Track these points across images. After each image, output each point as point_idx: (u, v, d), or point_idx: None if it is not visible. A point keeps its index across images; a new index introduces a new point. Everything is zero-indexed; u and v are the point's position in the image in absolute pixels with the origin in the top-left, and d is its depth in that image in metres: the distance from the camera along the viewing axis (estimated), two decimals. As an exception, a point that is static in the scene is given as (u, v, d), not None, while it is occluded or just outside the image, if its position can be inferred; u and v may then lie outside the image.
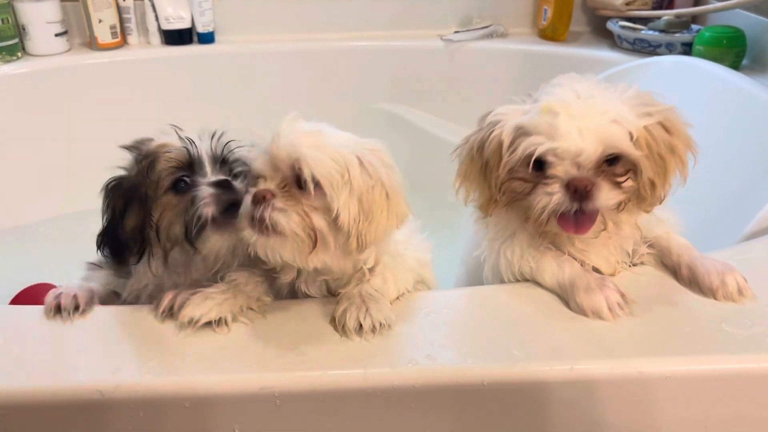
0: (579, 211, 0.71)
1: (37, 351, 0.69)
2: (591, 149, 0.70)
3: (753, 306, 0.73)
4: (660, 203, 0.78)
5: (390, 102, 1.89)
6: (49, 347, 0.69)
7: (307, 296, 0.77)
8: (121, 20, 1.79)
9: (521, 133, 0.73)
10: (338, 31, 1.88)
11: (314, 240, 0.68)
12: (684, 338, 0.69)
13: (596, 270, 0.79)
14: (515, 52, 1.83)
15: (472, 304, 0.76)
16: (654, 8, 1.80)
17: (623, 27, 1.72)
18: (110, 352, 0.68)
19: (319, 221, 0.67)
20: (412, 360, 0.66)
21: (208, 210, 0.72)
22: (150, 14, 1.78)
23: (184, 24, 1.79)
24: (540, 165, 0.72)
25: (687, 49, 1.61)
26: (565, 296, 0.75)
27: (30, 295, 1.35)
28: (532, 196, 0.73)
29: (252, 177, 0.72)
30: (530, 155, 0.71)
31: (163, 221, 0.74)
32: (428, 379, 0.65)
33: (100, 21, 1.74)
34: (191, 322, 0.69)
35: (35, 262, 1.55)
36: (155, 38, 1.81)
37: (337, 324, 0.71)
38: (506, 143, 0.74)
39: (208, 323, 0.70)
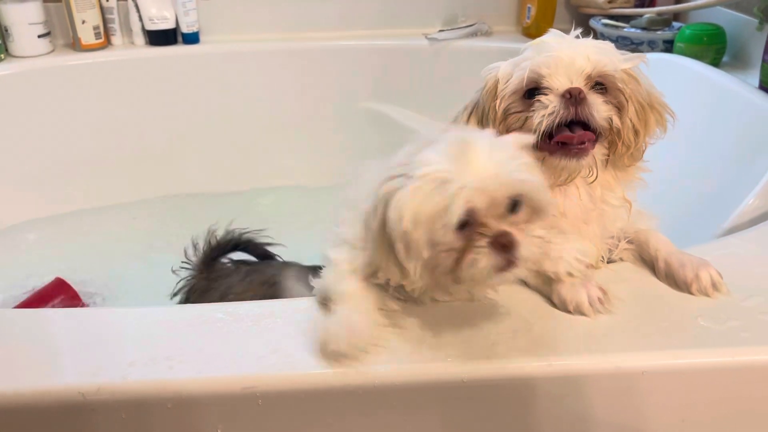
0: (576, 123, 0.74)
1: (16, 353, 0.68)
2: (581, 62, 0.73)
3: (729, 301, 0.74)
4: (641, 154, 0.80)
5: (375, 101, 1.89)
6: (28, 349, 0.69)
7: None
8: (105, 21, 1.78)
9: (515, 67, 0.77)
10: (323, 30, 1.88)
11: (546, 246, 0.67)
12: (661, 333, 0.70)
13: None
14: (499, 51, 1.82)
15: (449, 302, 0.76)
16: (636, 6, 1.81)
17: (606, 25, 1.73)
18: (91, 353, 0.68)
19: (541, 231, 0.66)
20: (392, 358, 0.67)
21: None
22: (134, 15, 1.77)
23: (169, 24, 1.78)
24: (532, 94, 0.75)
25: (669, 46, 1.63)
26: (548, 291, 0.76)
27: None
28: (530, 121, 0.74)
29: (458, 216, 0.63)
30: (528, 80, 0.74)
31: None
32: (407, 378, 0.66)
33: (83, 22, 1.73)
34: None
35: (8, 270, 1.54)
36: (139, 39, 1.80)
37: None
38: (502, 80, 0.77)
39: None
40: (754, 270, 0.80)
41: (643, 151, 0.81)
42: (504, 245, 0.62)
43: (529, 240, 0.64)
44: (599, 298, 0.72)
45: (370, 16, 1.90)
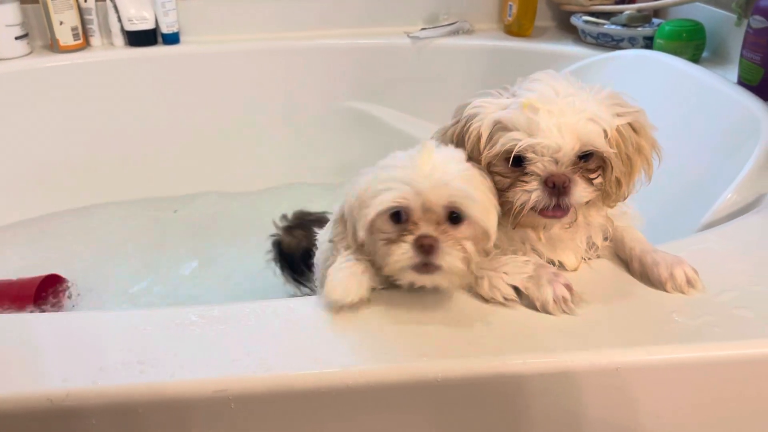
0: (556, 206, 0.73)
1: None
2: (569, 146, 0.71)
3: (704, 296, 0.74)
4: (624, 200, 0.80)
5: (358, 100, 1.89)
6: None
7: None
8: (83, 22, 1.76)
9: (500, 127, 0.74)
10: (305, 29, 1.88)
11: (468, 265, 0.71)
12: (635, 329, 0.70)
13: (562, 266, 0.80)
14: (481, 48, 1.84)
15: (426, 300, 0.76)
16: (616, 3, 1.82)
17: (587, 22, 1.74)
18: (60, 358, 0.67)
19: (471, 248, 0.71)
20: (367, 358, 0.67)
21: None
22: (112, 15, 1.76)
23: (148, 25, 1.77)
24: (517, 161, 0.73)
25: (649, 42, 1.63)
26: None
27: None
28: (511, 192, 0.74)
29: (388, 215, 0.71)
30: (509, 151, 0.72)
31: None
32: (383, 378, 0.65)
33: (61, 23, 1.71)
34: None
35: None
36: (119, 39, 1.79)
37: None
38: (485, 137, 0.75)
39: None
40: (729, 265, 0.80)
41: (627, 196, 0.79)
42: (423, 246, 0.68)
43: (451, 251, 0.68)
44: (564, 297, 0.71)
45: (351, 15, 1.89)
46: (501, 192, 0.75)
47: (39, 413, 0.63)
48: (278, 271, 1.38)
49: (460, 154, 0.73)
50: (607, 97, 0.76)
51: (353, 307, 0.72)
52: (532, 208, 0.73)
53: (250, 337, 0.70)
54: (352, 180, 0.75)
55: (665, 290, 0.75)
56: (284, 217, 1.42)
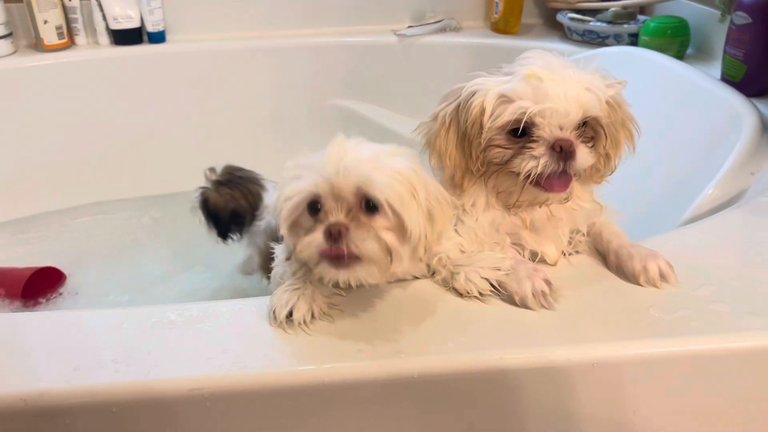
0: (563, 171, 0.74)
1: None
2: (574, 112, 0.73)
3: (681, 291, 0.74)
4: (611, 173, 0.83)
5: (344, 98, 1.89)
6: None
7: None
8: (68, 20, 1.75)
9: (504, 100, 0.75)
10: (291, 27, 1.87)
11: (390, 257, 0.69)
12: (613, 324, 0.70)
13: (543, 259, 0.80)
14: (468, 46, 1.84)
15: (402, 297, 0.76)
16: (602, 0, 1.82)
17: (572, 19, 1.74)
18: (34, 358, 0.67)
19: (392, 239, 0.68)
20: (343, 356, 0.66)
21: None
22: (97, 14, 1.75)
23: (133, 23, 1.76)
24: (518, 131, 0.75)
25: (634, 39, 1.64)
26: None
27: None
28: (515, 161, 0.75)
29: (304, 206, 0.69)
30: (518, 120, 0.73)
31: None
32: (359, 374, 0.65)
33: (45, 22, 1.70)
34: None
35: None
36: (104, 38, 1.78)
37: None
38: (488, 111, 0.75)
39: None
40: (708, 260, 0.80)
41: (614, 170, 0.82)
42: (331, 234, 0.66)
43: (365, 237, 0.66)
44: (543, 291, 0.72)
45: (338, 14, 1.89)
46: (500, 166, 0.76)
47: (12, 414, 0.62)
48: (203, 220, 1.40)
49: (388, 149, 0.71)
50: (595, 70, 0.78)
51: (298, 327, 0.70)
52: (539, 176, 0.74)
53: (226, 336, 0.70)
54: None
55: (639, 284, 0.75)
56: (212, 170, 1.41)
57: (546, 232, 0.81)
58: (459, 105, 0.78)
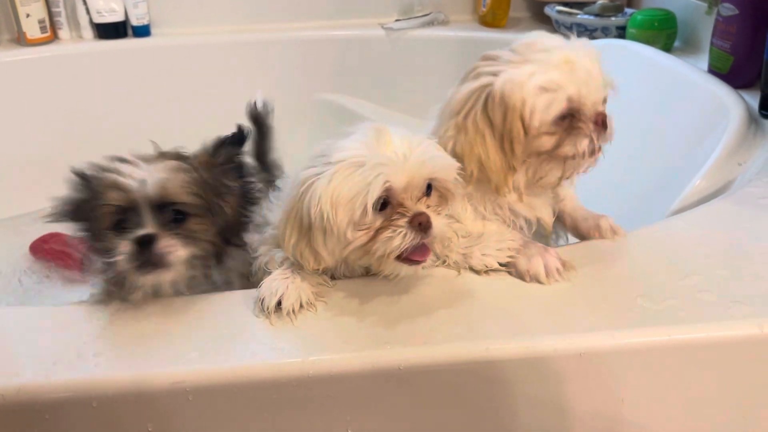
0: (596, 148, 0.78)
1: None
2: (603, 91, 0.78)
3: (669, 280, 0.74)
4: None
5: (332, 92, 1.87)
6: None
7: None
8: (51, 14, 1.73)
9: (544, 90, 0.75)
10: (277, 21, 1.86)
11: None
12: (599, 314, 0.69)
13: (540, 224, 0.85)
14: (456, 39, 1.83)
15: (387, 289, 0.75)
16: (589, -8, 1.82)
17: (560, 12, 1.73)
18: (12, 352, 0.66)
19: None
20: (328, 347, 0.66)
21: (122, 266, 0.71)
22: (81, 7, 1.73)
23: (117, 17, 1.74)
24: (564, 117, 0.76)
25: (622, 32, 1.63)
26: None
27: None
28: (567, 145, 0.77)
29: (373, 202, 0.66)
30: (563, 109, 0.75)
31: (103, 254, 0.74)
32: (343, 367, 0.64)
33: (27, 15, 1.68)
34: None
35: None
36: (87, 32, 1.76)
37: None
38: (529, 104, 0.74)
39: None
40: (695, 249, 0.80)
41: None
42: (421, 224, 0.66)
43: (441, 221, 0.67)
44: (557, 268, 0.74)
45: (325, 7, 1.87)
46: (548, 153, 0.78)
47: (-11, 409, 0.61)
48: None
49: (412, 131, 0.71)
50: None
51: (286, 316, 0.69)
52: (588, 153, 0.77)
53: (209, 329, 0.69)
54: (294, 187, 0.71)
55: (593, 238, 0.83)
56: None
57: (539, 198, 0.84)
58: (487, 106, 0.76)
